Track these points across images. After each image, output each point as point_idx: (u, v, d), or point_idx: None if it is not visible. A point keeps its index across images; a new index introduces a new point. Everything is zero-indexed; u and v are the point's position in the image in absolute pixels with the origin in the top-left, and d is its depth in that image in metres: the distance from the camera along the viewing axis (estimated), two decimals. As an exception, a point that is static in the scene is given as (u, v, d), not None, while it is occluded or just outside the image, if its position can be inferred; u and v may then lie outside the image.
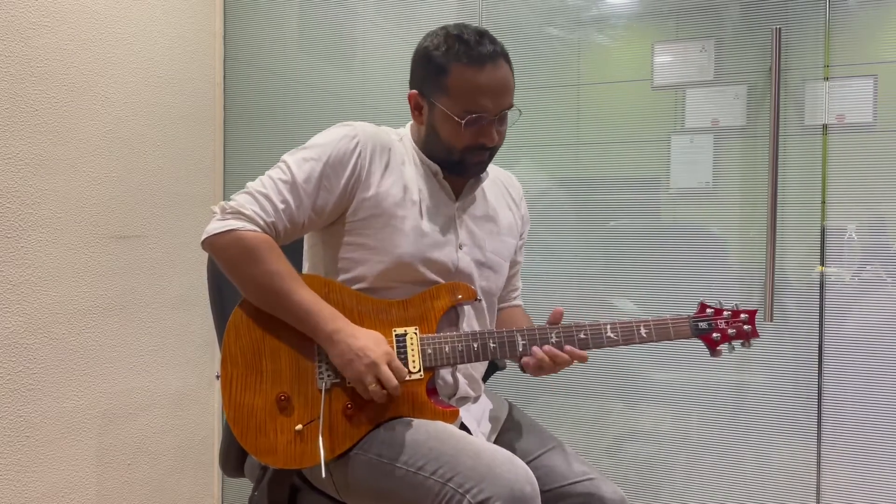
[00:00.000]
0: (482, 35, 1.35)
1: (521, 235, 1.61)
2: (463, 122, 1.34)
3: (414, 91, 1.41)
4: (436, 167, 1.44)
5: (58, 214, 1.91)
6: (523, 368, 1.44)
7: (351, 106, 2.37)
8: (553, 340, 1.37)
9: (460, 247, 1.44)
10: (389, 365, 1.29)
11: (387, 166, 1.39)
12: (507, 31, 2.19)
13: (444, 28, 1.39)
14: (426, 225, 1.40)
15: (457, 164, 1.41)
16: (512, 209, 1.58)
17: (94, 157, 2.00)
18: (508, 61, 1.38)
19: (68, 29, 1.92)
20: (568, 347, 1.36)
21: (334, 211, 1.37)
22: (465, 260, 1.44)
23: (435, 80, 1.36)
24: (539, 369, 1.37)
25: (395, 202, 1.38)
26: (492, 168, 1.56)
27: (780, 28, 1.92)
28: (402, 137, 1.46)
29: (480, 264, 1.47)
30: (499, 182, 1.58)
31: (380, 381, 1.28)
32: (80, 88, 1.96)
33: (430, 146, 1.43)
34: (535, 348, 1.36)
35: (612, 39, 2.15)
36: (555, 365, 1.36)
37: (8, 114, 1.78)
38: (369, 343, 1.29)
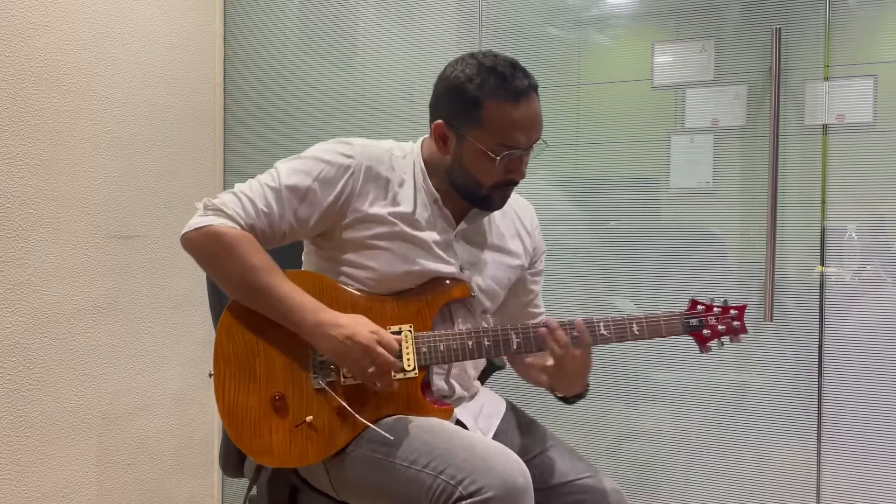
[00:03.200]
0: (515, 67, 1.32)
1: (532, 264, 1.56)
2: (498, 157, 1.31)
3: (440, 122, 1.36)
4: (435, 194, 1.40)
5: (58, 214, 1.91)
6: (557, 393, 1.43)
7: (351, 106, 2.37)
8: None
9: (462, 269, 1.42)
10: (380, 342, 1.28)
11: (382, 188, 1.37)
12: (507, 31, 2.19)
13: (474, 58, 1.34)
14: (422, 249, 1.38)
15: (483, 198, 1.38)
16: (523, 238, 1.53)
17: (94, 157, 2.00)
18: (538, 93, 1.35)
19: (68, 29, 1.92)
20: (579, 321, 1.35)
21: (319, 224, 1.36)
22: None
23: (467, 113, 1.32)
24: (563, 370, 1.35)
25: (386, 225, 1.36)
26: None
27: (780, 28, 1.92)
28: (405, 155, 1.42)
29: (479, 289, 1.44)
30: (510, 210, 1.52)
31: (376, 363, 1.27)
32: (80, 88, 1.96)
33: (454, 178, 1.38)
34: (578, 321, 1.34)
35: (612, 39, 2.15)
36: (578, 348, 1.34)
37: (8, 114, 1.79)
38: (356, 328, 1.28)
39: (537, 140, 1.35)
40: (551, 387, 1.44)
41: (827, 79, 1.92)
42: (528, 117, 1.32)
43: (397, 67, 2.31)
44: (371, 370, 1.27)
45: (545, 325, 1.36)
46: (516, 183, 1.38)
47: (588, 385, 1.44)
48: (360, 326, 1.29)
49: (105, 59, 2.03)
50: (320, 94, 2.39)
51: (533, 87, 1.33)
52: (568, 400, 1.46)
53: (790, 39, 1.94)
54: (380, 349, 1.27)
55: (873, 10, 1.89)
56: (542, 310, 1.61)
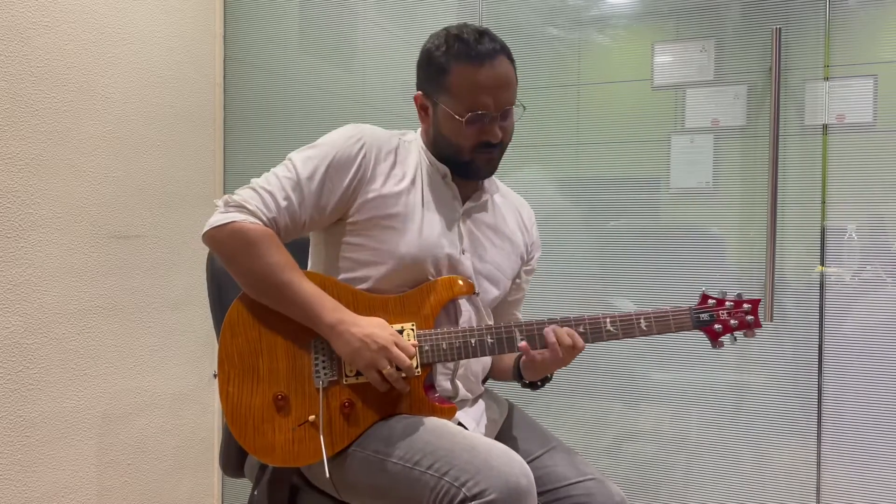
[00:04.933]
0: (482, 34, 1.36)
1: (528, 260, 1.58)
2: (464, 120, 1.35)
3: (419, 92, 1.43)
4: (444, 169, 1.43)
5: (58, 214, 1.91)
6: (524, 380, 1.44)
7: (351, 106, 2.37)
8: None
9: (463, 251, 1.43)
10: (397, 345, 1.30)
11: (391, 168, 1.39)
12: (507, 31, 2.18)
13: (445, 29, 1.40)
14: (429, 227, 1.39)
15: (467, 164, 1.41)
16: (523, 232, 1.56)
17: (94, 157, 2.00)
18: (510, 57, 1.38)
19: (68, 29, 1.92)
20: (567, 329, 1.34)
21: (336, 210, 1.37)
22: (465, 264, 1.44)
23: (437, 80, 1.37)
24: (541, 363, 1.36)
25: (397, 204, 1.38)
26: (506, 188, 1.58)
27: (780, 28, 1.92)
28: (411, 140, 1.46)
29: (478, 273, 1.45)
30: (511, 204, 1.57)
31: (392, 364, 1.29)
32: (80, 88, 1.96)
33: (438, 147, 1.43)
34: (547, 329, 1.34)
35: (612, 39, 2.15)
36: (559, 350, 1.34)
37: (8, 114, 1.78)
38: (375, 329, 1.30)
39: (510, 104, 1.37)
40: (519, 376, 1.46)
41: (827, 79, 1.92)
42: (493, 79, 1.34)
43: (397, 67, 2.31)
44: (387, 370, 1.28)
45: (554, 332, 1.35)
46: (495, 145, 1.39)
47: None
48: (377, 328, 1.31)
49: (105, 59, 2.03)
50: (320, 94, 2.39)
51: (500, 51, 1.36)
52: (536, 386, 1.47)
53: (790, 39, 1.94)
54: (397, 351, 1.29)
55: (873, 10, 1.89)
56: (520, 317, 1.63)
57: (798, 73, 1.94)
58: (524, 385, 1.48)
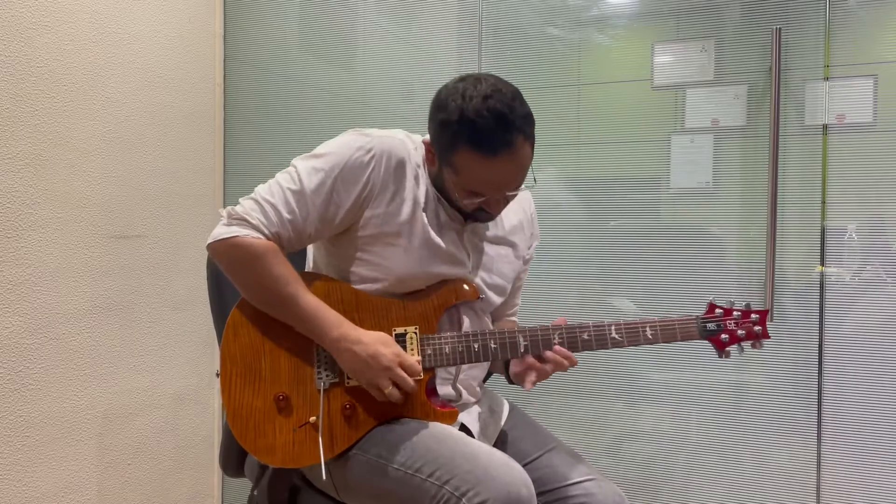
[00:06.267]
0: (501, 119, 1.22)
1: (528, 250, 1.57)
2: (464, 201, 1.31)
3: (427, 140, 1.35)
4: None
5: (58, 214, 1.91)
6: (511, 380, 1.44)
7: (351, 106, 2.37)
8: (556, 341, 1.35)
9: (472, 269, 1.42)
10: (401, 365, 1.29)
11: (399, 183, 1.34)
12: (507, 31, 2.19)
13: (462, 96, 1.24)
14: (434, 245, 1.37)
15: (467, 215, 1.38)
16: (525, 227, 1.53)
17: (94, 157, 2.00)
18: (529, 137, 1.26)
19: (68, 29, 1.92)
20: (548, 354, 1.34)
21: (343, 222, 1.34)
22: (477, 282, 1.42)
23: (444, 149, 1.29)
24: (526, 377, 1.36)
25: (403, 221, 1.34)
26: None
27: (780, 28, 1.92)
28: (416, 146, 1.39)
29: (488, 286, 1.44)
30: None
31: (396, 384, 1.29)
32: (80, 88, 1.96)
33: (439, 191, 1.38)
34: (528, 358, 1.35)
35: (612, 39, 2.15)
36: (544, 367, 1.34)
37: (8, 114, 1.78)
38: (378, 347, 1.29)
39: (514, 189, 1.30)
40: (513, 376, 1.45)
41: (827, 79, 1.92)
42: (503, 174, 1.26)
43: (397, 67, 2.31)
44: (389, 390, 1.28)
45: (557, 351, 1.35)
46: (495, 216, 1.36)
47: None
48: (382, 346, 1.30)
49: (105, 59, 2.03)
50: (320, 94, 2.39)
51: (519, 135, 1.23)
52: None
53: (790, 39, 1.94)
54: (400, 372, 1.29)
55: (873, 10, 1.89)
56: (518, 303, 1.62)
57: (798, 73, 1.94)
58: (511, 382, 1.47)
